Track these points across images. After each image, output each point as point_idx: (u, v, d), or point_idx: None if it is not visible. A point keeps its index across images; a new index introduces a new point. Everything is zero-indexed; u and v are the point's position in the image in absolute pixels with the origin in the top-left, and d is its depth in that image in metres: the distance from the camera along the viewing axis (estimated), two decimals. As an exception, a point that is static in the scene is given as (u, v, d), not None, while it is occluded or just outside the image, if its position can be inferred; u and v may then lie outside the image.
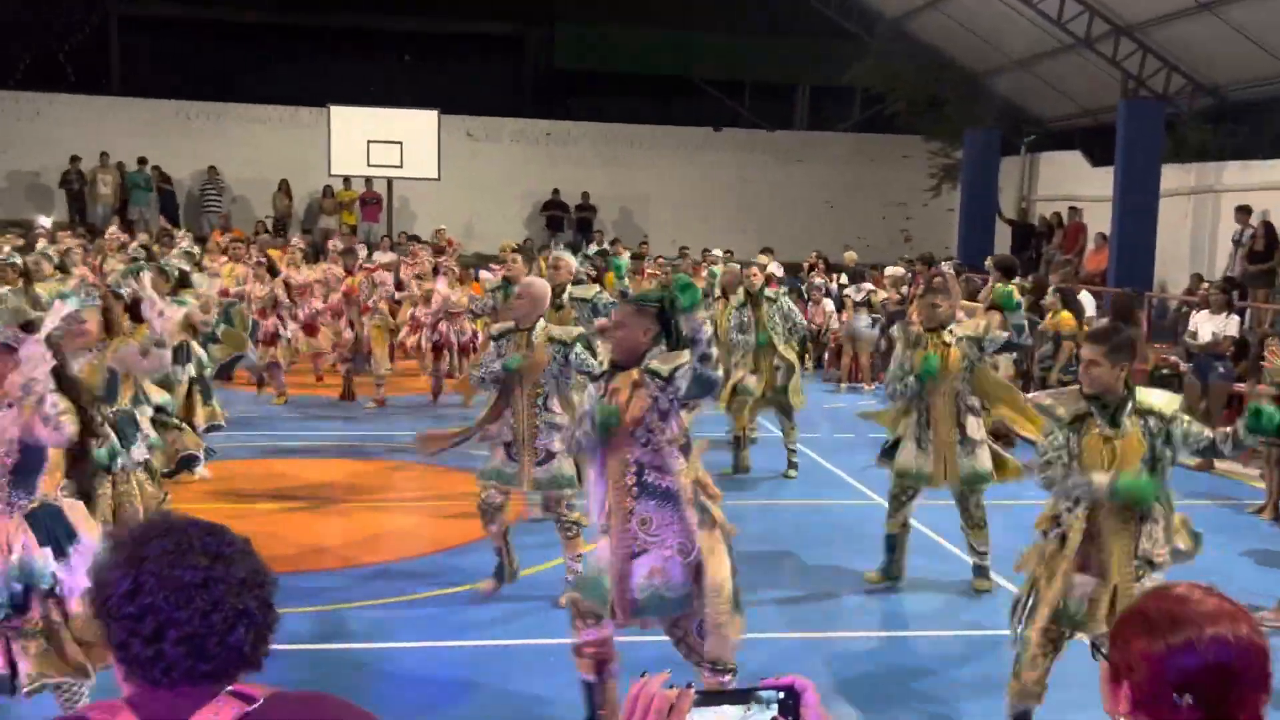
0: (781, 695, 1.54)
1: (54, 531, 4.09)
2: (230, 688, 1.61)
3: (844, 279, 17.36)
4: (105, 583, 1.63)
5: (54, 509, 4.16)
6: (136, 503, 5.71)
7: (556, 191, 22.94)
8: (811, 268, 17.75)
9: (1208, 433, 4.35)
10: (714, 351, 4.24)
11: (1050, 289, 10.59)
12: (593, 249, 19.90)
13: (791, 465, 9.76)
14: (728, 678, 4.35)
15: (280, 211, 21.73)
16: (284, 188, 21.79)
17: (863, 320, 14.85)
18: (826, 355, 16.24)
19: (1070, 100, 19.81)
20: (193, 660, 1.59)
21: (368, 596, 6.42)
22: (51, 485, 4.17)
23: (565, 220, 23.05)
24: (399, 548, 7.53)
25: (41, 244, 13.83)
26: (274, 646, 1.69)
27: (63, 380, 4.15)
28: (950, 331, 6.61)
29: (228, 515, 7.51)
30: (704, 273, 14.44)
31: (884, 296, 15.03)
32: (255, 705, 1.59)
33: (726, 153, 23.52)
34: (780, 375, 9.47)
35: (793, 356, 9.58)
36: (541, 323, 6.11)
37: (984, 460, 6.57)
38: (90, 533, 4.19)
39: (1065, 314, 10.26)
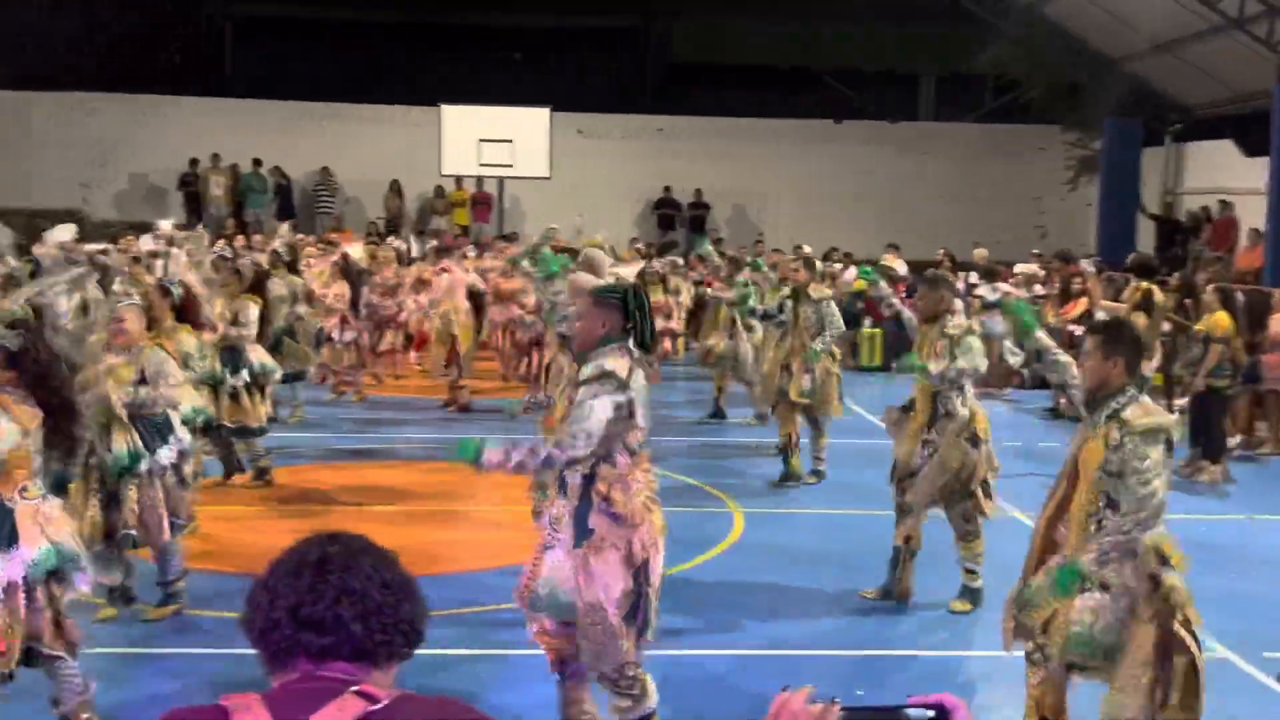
0: (931, 714, 1.52)
1: None
2: (356, 688, 1.67)
3: (973, 277, 16.87)
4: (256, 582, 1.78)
5: (4, 509, 4.29)
6: (161, 507, 5.82)
7: (668, 189, 22.86)
8: (938, 265, 17.32)
9: (1146, 479, 3.98)
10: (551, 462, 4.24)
11: (1210, 287, 10.10)
12: (706, 247, 19.78)
13: (815, 473, 9.51)
14: (626, 702, 4.40)
15: (392, 212, 22.11)
16: (395, 188, 22.15)
17: (998, 322, 14.32)
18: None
19: (1220, 85, 18.95)
20: (298, 628, 1.69)
21: (491, 601, 6.35)
22: (8, 486, 4.30)
23: (678, 219, 22.95)
24: (514, 553, 7.47)
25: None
26: None
27: (41, 384, 4.33)
28: (945, 326, 6.50)
29: (323, 519, 7.61)
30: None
31: (1015, 296, 14.54)
32: (379, 705, 1.65)
33: (848, 146, 23.14)
34: (808, 380, 9.21)
35: (828, 363, 9.36)
36: None
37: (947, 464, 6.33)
38: (32, 544, 4.29)
39: (1221, 314, 9.73)
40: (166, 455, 5.86)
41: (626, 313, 4.36)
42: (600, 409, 4.17)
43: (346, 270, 12.27)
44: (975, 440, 6.38)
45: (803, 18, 23.23)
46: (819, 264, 15.24)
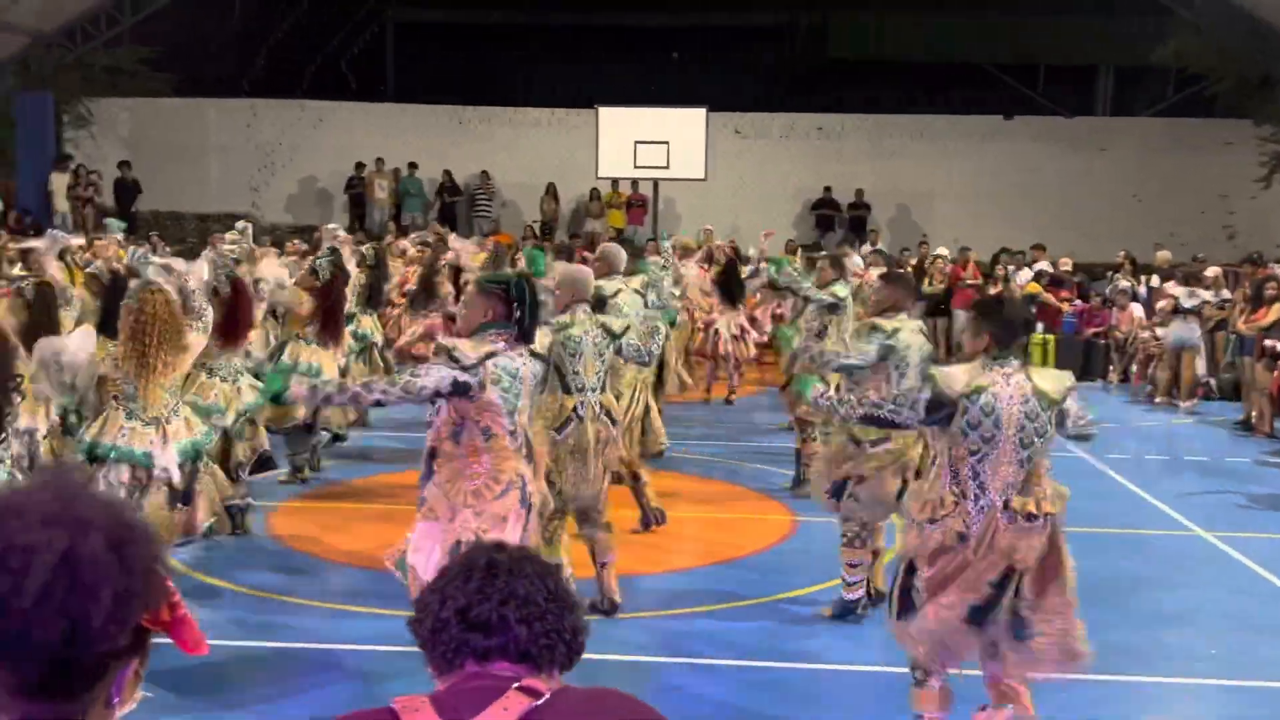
0: None
1: None
2: (519, 684, 1.72)
3: (1154, 280, 16.38)
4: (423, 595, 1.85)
5: None
6: None
7: (828, 189, 22.75)
8: (1117, 268, 16.87)
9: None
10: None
11: None
12: (866, 249, 19.65)
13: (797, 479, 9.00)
14: None
15: (548, 215, 22.58)
16: (551, 191, 22.63)
17: (1193, 329, 13.77)
18: (1135, 367, 15.34)
19: None
20: (466, 630, 1.76)
21: (641, 607, 6.53)
22: None
23: (837, 219, 22.81)
24: (677, 558, 7.62)
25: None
26: None
27: None
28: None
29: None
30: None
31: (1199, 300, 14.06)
32: (542, 700, 1.70)
33: (1018, 142, 22.62)
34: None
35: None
36: (582, 311, 6.18)
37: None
38: None
39: None
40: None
41: (509, 303, 4.68)
42: (434, 373, 4.50)
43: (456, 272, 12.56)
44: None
45: (967, 9, 22.85)
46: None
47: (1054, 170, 22.30)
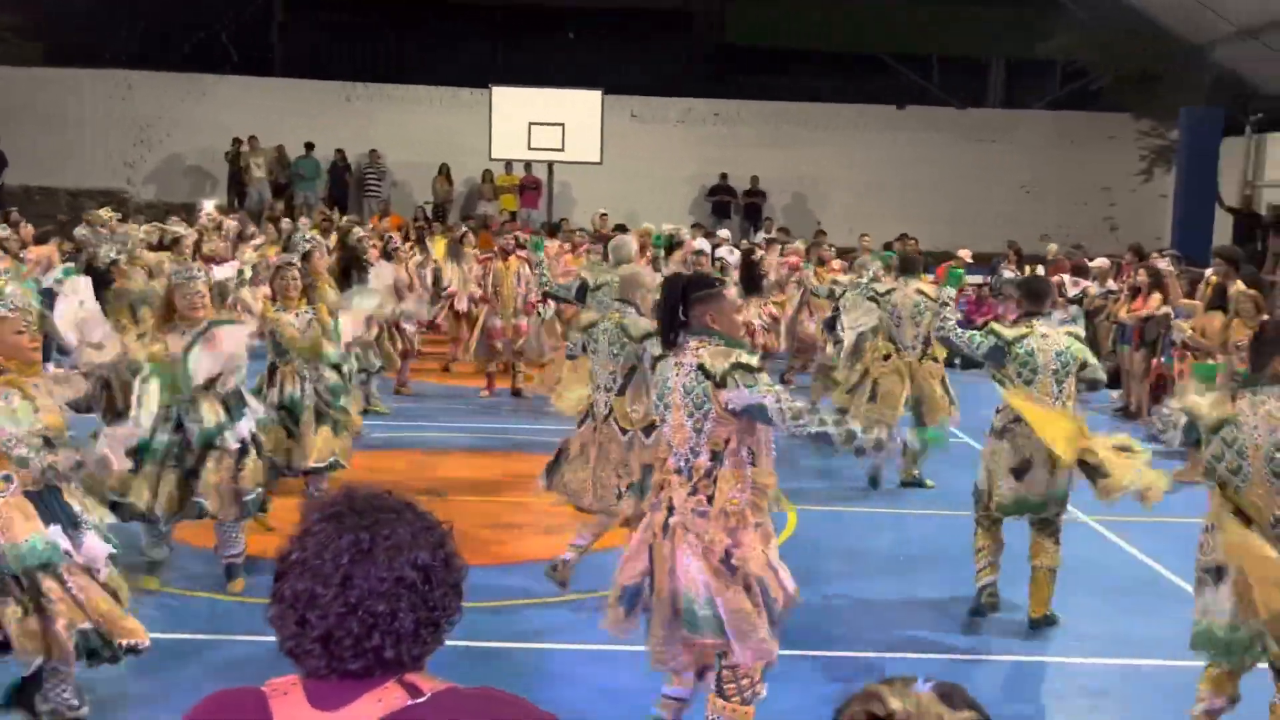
0: None
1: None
2: (399, 677, 1.61)
3: (1040, 270, 16.77)
4: (280, 554, 1.67)
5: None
6: (235, 481, 6.03)
7: (724, 175, 22.90)
8: (1004, 260, 17.26)
9: None
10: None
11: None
12: (761, 237, 19.81)
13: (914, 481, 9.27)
14: None
15: (440, 197, 22.30)
16: (444, 172, 22.34)
17: (1077, 320, 14.20)
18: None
19: (1307, 73, 18.67)
20: (329, 659, 1.60)
21: (527, 595, 6.50)
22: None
23: (733, 205, 22.99)
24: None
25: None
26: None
27: None
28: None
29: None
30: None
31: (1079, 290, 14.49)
32: (421, 699, 1.59)
33: (911, 132, 23.04)
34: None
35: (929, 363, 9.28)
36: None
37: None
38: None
39: (1301, 314, 9.67)
40: (245, 426, 6.03)
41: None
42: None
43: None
44: None
45: (864, -2, 23.14)
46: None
47: (946, 161, 22.76)
